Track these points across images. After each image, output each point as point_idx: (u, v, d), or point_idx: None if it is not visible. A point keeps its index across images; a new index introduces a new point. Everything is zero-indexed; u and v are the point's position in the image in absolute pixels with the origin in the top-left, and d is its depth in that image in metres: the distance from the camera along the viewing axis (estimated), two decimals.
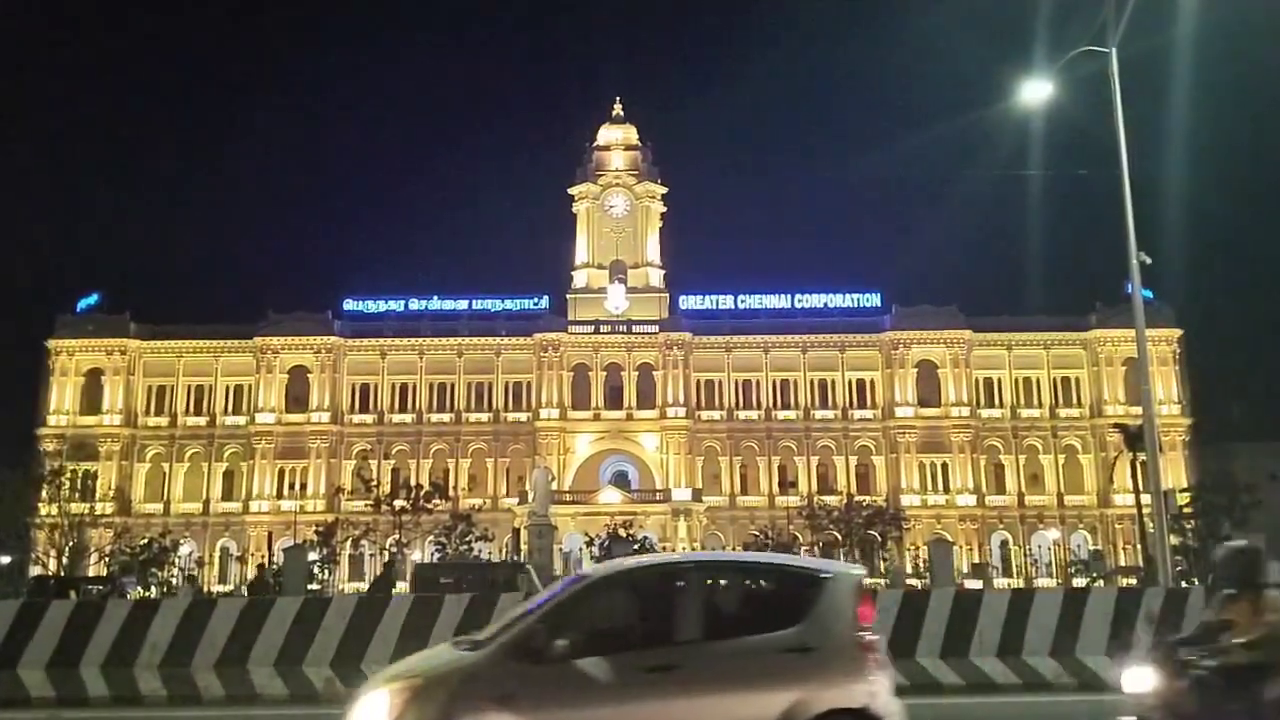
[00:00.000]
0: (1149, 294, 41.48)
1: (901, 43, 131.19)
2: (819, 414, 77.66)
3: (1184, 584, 28.23)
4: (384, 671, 8.49)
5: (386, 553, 49.10)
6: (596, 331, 77.71)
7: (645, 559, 10.76)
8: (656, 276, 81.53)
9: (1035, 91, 19.90)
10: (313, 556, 43.60)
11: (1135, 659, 7.98)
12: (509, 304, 79.67)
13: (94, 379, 76.19)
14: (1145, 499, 36.70)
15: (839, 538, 61.33)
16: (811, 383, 78.24)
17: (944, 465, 76.13)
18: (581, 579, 8.17)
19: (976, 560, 65.44)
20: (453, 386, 78.16)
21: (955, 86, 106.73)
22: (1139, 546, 53.95)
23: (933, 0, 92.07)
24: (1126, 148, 19.36)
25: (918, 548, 56.30)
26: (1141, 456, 35.67)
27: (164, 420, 76.90)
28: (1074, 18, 20.35)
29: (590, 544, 53.94)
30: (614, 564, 9.18)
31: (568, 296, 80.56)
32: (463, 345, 78.07)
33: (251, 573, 51.03)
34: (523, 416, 77.18)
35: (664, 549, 66.04)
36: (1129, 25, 18.79)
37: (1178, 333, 75.20)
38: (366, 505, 59.78)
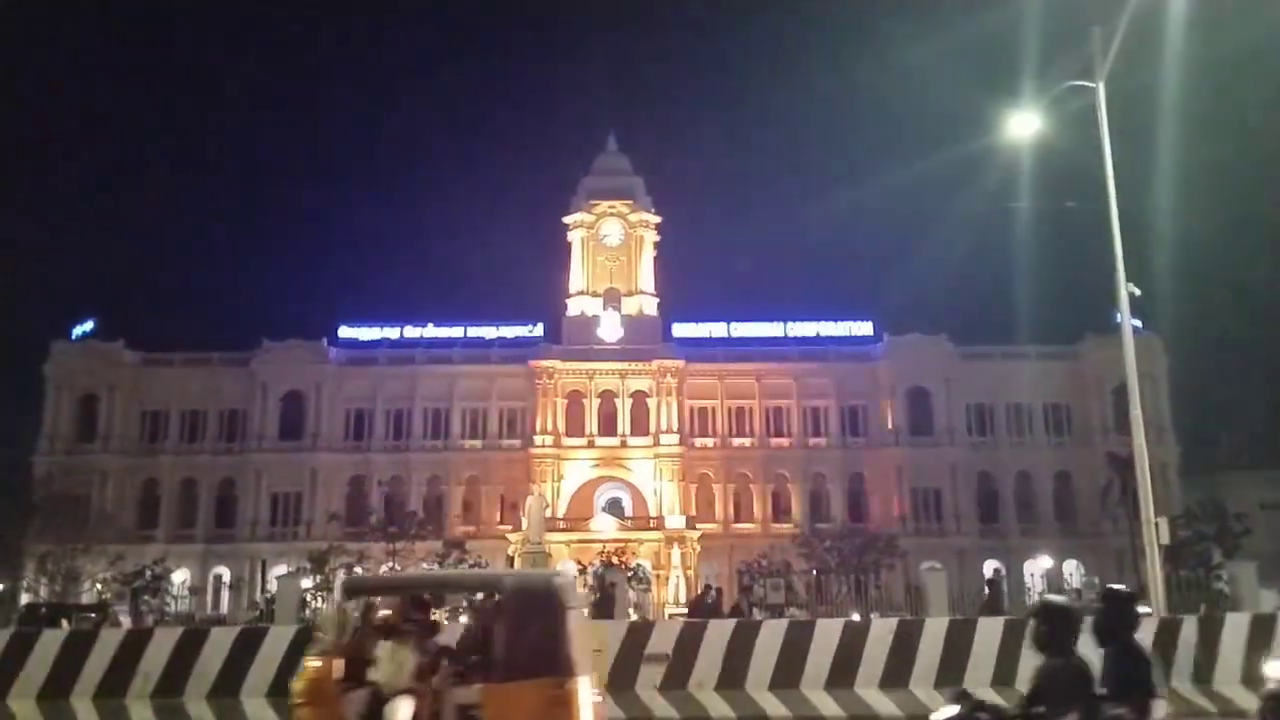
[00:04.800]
0: (1138, 323, 41.70)
1: (893, 75, 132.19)
2: (812, 441, 77.76)
3: (1176, 613, 28.28)
4: None
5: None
6: (590, 359, 77.85)
7: None
8: (650, 305, 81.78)
9: (1023, 125, 20.17)
10: (306, 584, 43.43)
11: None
12: (503, 331, 79.80)
13: (88, 405, 76.00)
14: (1137, 524, 36.75)
15: (832, 565, 61.23)
16: (804, 410, 78.40)
17: (936, 492, 76.16)
18: None
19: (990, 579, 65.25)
20: (447, 413, 78.14)
21: (945, 119, 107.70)
22: (1133, 573, 54.01)
23: (924, 35, 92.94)
24: (1114, 180, 19.61)
25: (910, 576, 56.23)
26: (1132, 484, 35.80)
27: (158, 447, 76.66)
28: (1061, 52, 20.66)
29: (583, 571, 53.84)
30: None
31: (562, 324, 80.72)
32: (457, 373, 78.11)
33: (245, 601, 50.90)
34: (516, 444, 77.11)
35: (658, 576, 65.98)
36: (1116, 60, 19.08)
37: (1166, 361, 75.49)
38: (361, 532, 59.65)
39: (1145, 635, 14.94)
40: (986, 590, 30.71)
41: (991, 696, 14.48)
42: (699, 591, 25.93)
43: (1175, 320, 72.80)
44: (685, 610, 29.54)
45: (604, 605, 23.06)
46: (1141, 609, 6.95)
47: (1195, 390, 77.13)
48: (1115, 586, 7.49)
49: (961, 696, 6.93)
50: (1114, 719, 6.19)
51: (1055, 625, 6.58)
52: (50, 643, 14.63)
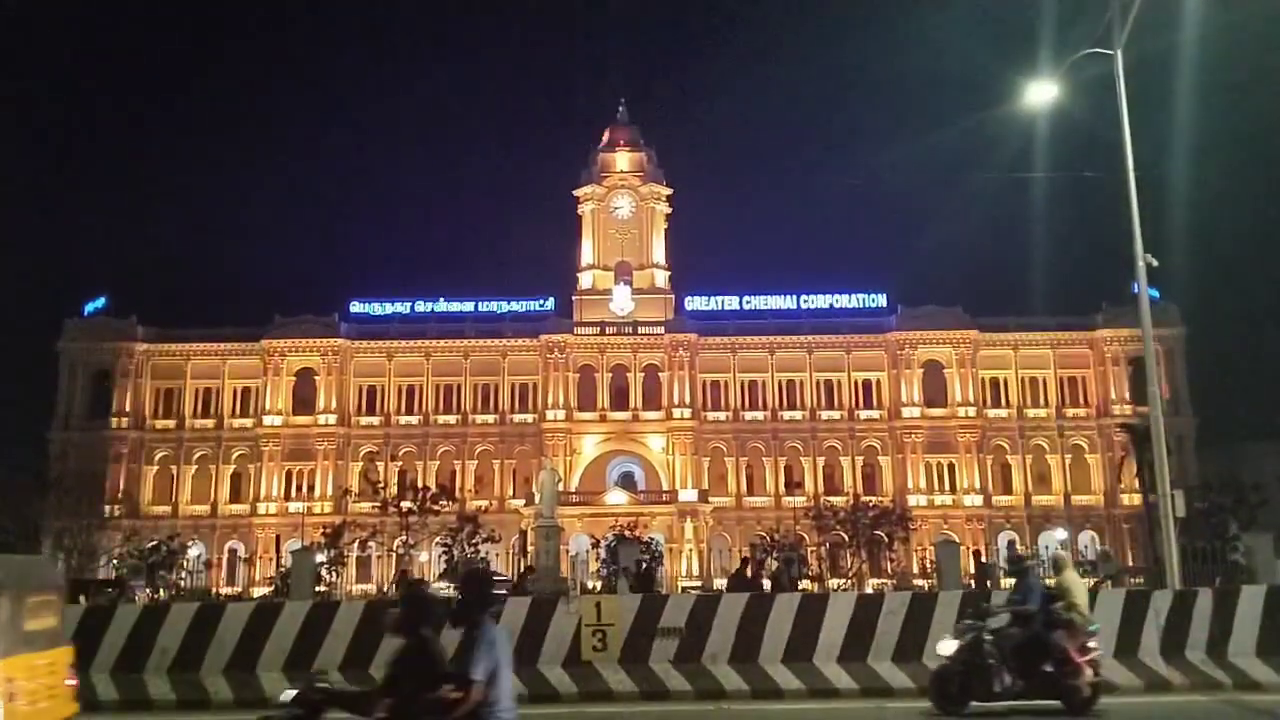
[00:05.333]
0: (1155, 293, 41.35)
1: (907, 44, 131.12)
2: (825, 414, 77.66)
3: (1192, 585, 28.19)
4: None
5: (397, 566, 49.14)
6: (602, 333, 77.79)
7: None
8: (662, 278, 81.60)
9: (1040, 93, 19.88)
10: (320, 559, 43.61)
11: None
12: (515, 306, 79.82)
13: (102, 382, 76.44)
14: (1153, 497, 36.64)
15: (845, 538, 61.25)
16: (817, 383, 78.26)
17: (950, 465, 76.09)
18: None
19: (984, 561, 65.26)
20: (459, 388, 78.31)
21: (961, 88, 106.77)
22: (1147, 546, 53.84)
23: (939, 3, 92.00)
24: (1132, 149, 19.35)
25: (924, 548, 56.23)
26: (1148, 456, 35.58)
27: (171, 423, 77.11)
28: (1079, 20, 20.36)
29: (596, 545, 53.97)
30: None
31: (573, 298, 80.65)
32: (469, 347, 78.22)
33: (259, 574, 51.18)
34: (529, 418, 77.27)
35: (670, 550, 66.16)
36: (1134, 27, 18.79)
37: (1183, 331, 75.06)
38: (373, 507, 59.76)
39: (1162, 607, 14.83)
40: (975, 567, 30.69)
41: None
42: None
43: (1193, 291, 72.75)
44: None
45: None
46: (499, 591, 6.92)
47: (1213, 361, 76.86)
48: (475, 567, 7.61)
49: (309, 680, 6.93)
50: (435, 700, 6.17)
51: (408, 609, 6.55)
52: (68, 618, 14.69)
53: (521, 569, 31.38)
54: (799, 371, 78.24)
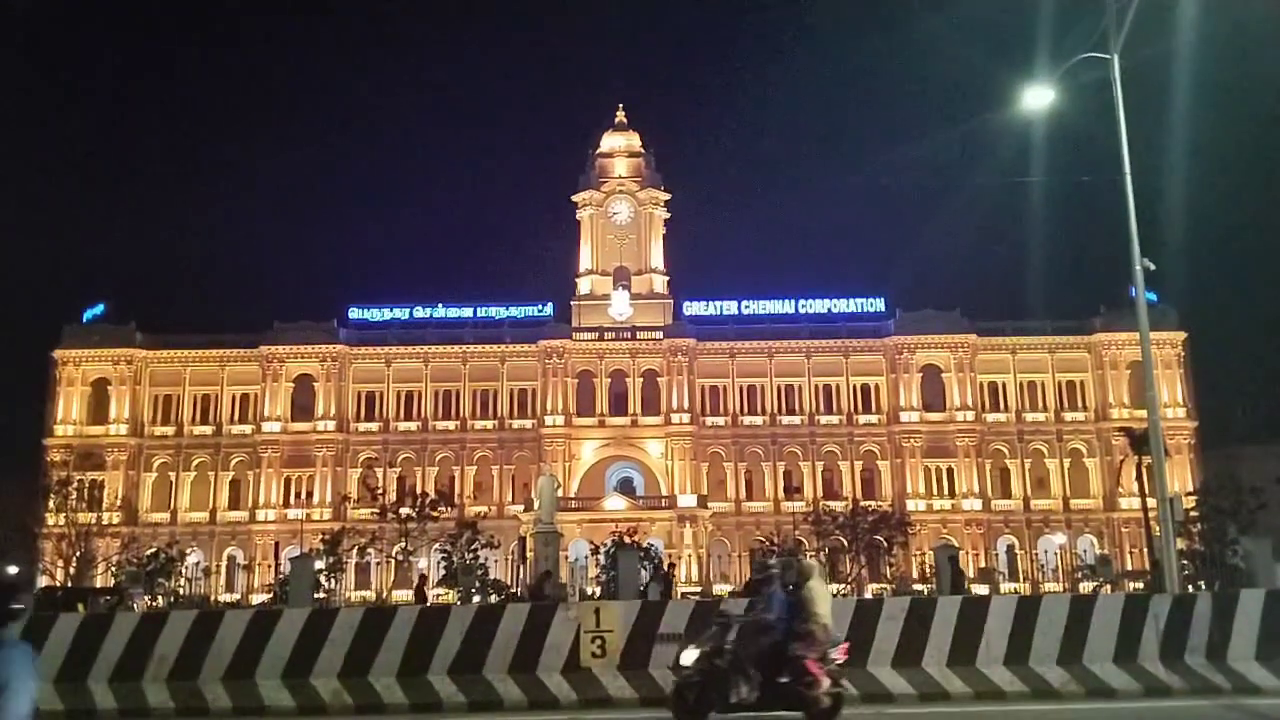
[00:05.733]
0: (1153, 297, 41.37)
1: (904, 49, 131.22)
2: (824, 419, 77.67)
3: (1191, 589, 28.21)
4: None
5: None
6: (601, 338, 77.82)
7: None
8: (660, 283, 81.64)
9: (1037, 98, 19.90)
10: (319, 565, 43.56)
11: None
12: (513, 311, 79.82)
13: (100, 389, 76.41)
14: (1151, 502, 36.66)
15: (844, 543, 61.21)
16: (816, 388, 78.28)
17: (949, 470, 76.09)
18: None
19: (983, 565, 65.37)
20: (458, 394, 78.31)
21: (958, 92, 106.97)
22: (1146, 551, 53.82)
23: (936, 7, 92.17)
24: (1129, 152, 19.37)
25: (923, 553, 56.24)
26: (1147, 460, 35.63)
27: (170, 430, 77.07)
28: (1076, 24, 20.38)
29: (596, 552, 53.90)
30: None
31: (572, 303, 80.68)
32: (468, 353, 78.24)
33: (258, 581, 51.10)
34: (528, 424, 77.27)
35: (669, 556, 66.09)
36: (1131, 31, 18.82)
37: (1182, 335, 75.14)
38: (372, 513, 59.75)
39: (1161, 611, 14.85)
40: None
41: (1007, 675, 14.47)
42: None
43: (1191, 294, 72.77)
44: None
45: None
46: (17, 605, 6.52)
47: (1211, 365, 76.90)
48: None
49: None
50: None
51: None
52: (66, 626, 14.68)
53: (535, 574, 31.32)
54: (797, 376, 78.26)
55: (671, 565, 42.27)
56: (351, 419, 77.68)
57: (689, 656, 12.17)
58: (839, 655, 12.08)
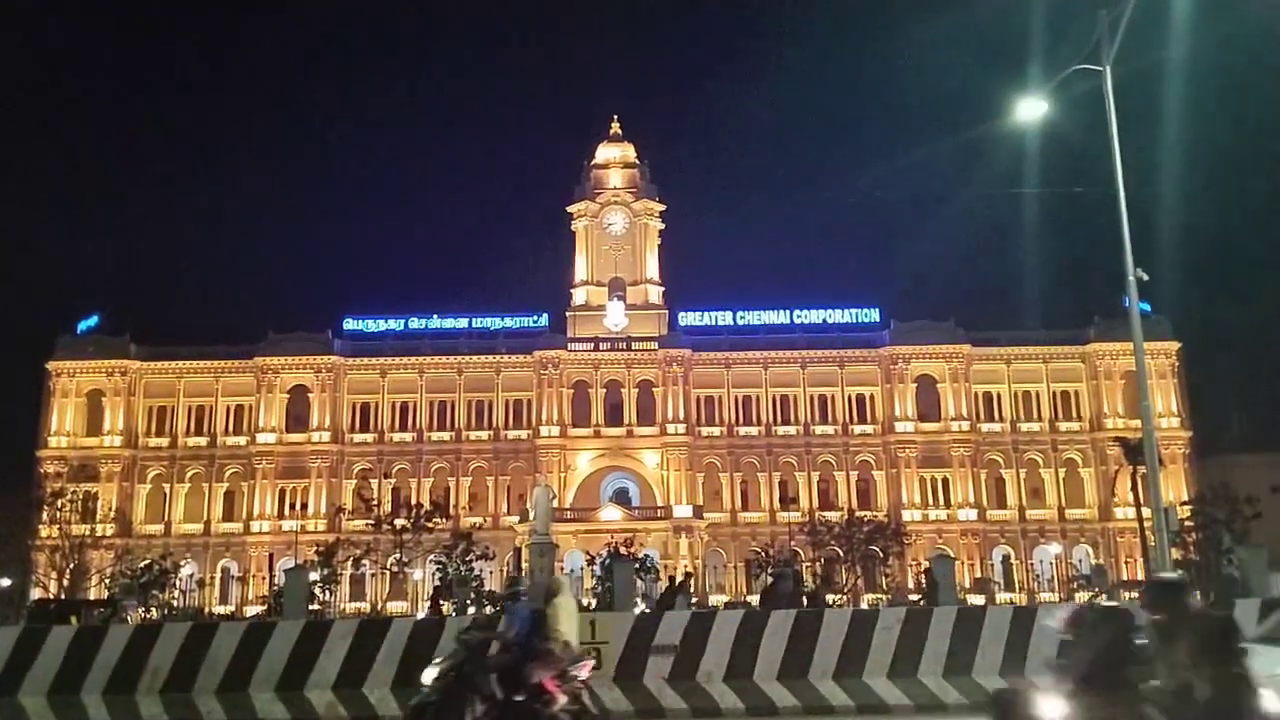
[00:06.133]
0: (1146, 307, 41.45)
1: (899, 60, 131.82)
2: (819, 429, 77.69)
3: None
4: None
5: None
6: (596, 349, 77.83)
7: None
8: (655, 293, 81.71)
9: (1030, 109, 19.97)
10: (314, 577, 43.42)
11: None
12: (508, 322, 79.83)
13: (94, 400, 76.25)
14: (1146, 512, 36.73)
15: (840, 553, 61.21)
16: (811, 398, 78.31)
17: (944, 480, 76.12)
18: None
19: (978, 575, 65.29)
20: (453, 405, 78.24)
21: (952, 104, 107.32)
22: (1141, 560, 53.88)
23: (929, 19, 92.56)
24: (1122, 163, 19.43)
25: (919, 563, 56.21)
26: (1142, 470, 35.72)
27: (164, 441, 76.91)
28: (1068, 36, 20.49)
29: (591, 562, 53.81)
30: None
31: (567, 314, 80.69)
32: (463, 363, 78.20)
33: (253, 593, 50.90)
34: (523, 434, 77.21)
35: (665, 566, 66.01)
36: (1124, 43, 18.90)
37: (1176, 345, 75.29)
38: (367, 525, 59.59)
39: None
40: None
41: (1001, 685, 14.45)
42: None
43: (1185, 304, 72.87)
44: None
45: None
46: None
47: (1206, 374, 77.01)
48: None
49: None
50: None
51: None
52: (60, 639, 14.63)
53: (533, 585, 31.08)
54: (793, 386, 78.30)
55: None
56: (346, 430, 77.57)
57: (429, 675, 12.03)
58: (581, 672, 11.92)
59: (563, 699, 11.53)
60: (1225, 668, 7.41)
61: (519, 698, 11.51)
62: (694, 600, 27.19)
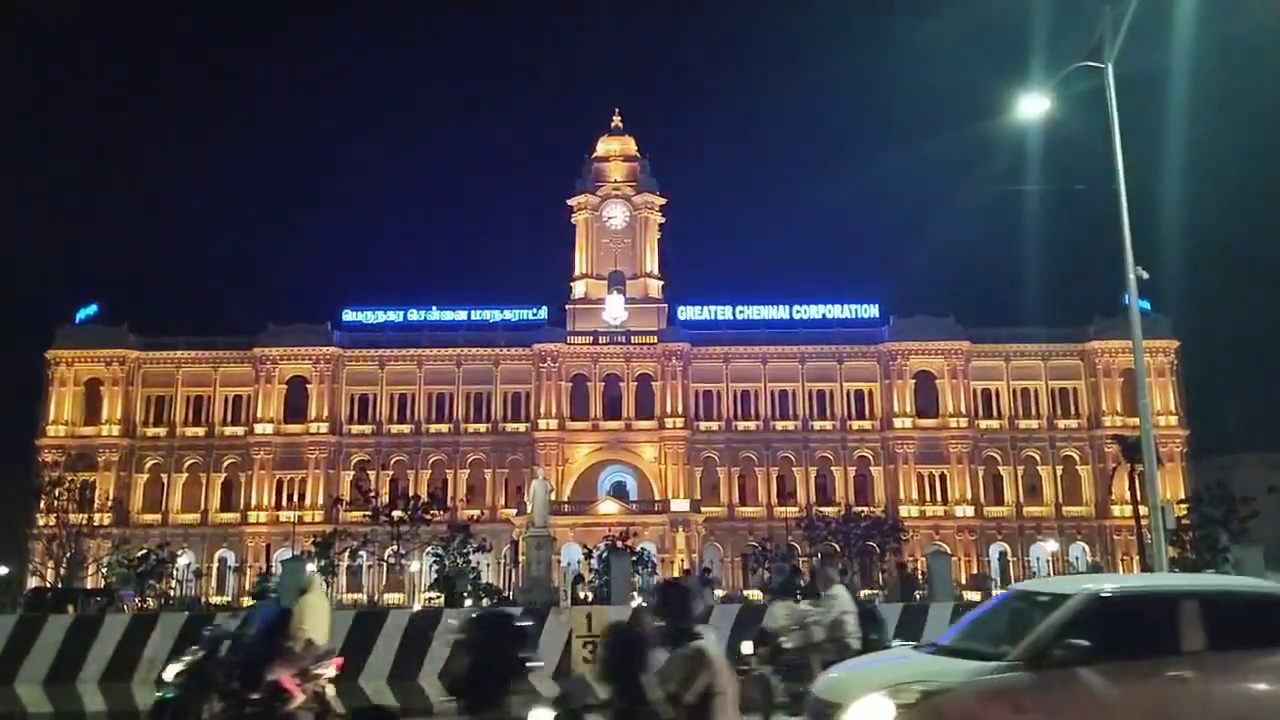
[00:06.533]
0: (1146, 305, 41.43)
1: (899, 56, 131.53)
2: (817, 425, 77.70)
3: None
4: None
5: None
6: (595, 342, 77.79)
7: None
8: (655, 287, 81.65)
9: (1032, 106, 19.92)
10: (311, 568, 43.52)
11: None
12: (507, 315, 79.78)
13: (93, 389, 76.20)
14: (1143, 510, 36.71)
15: (837, 548, 61.29)
16: (810, 393, 78.29)
17: (942, 476, 76.14)
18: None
19: (975, 571, 65.40)
20: (451, 397, 78.22)
21: (953, 100, 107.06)
22: (1138, 558, 53.94)
23: (931, 15, 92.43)
24: (1123, 162, 19.39)
25: (916, 559, 56.28)
26: (1139, 468, 35.69)
27: (162, 431, 76.91)
28: (1071, 33, 20.43)
29: (589, 555, 53.87)
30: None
31: (566, 307, 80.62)
32: (461, 356, 78.17)
33: (249, 583, 50.95)
34: (521, 427, 77.21)
35: (662, 560, 66.10)
36: (1126, 40, 18.85)
37: (1175, 344, 75.30)
38: (365, 516, 59.67)
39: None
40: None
41: None
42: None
43: (1184, 303, 72.81)
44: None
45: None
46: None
47: (1204, 374, 77.08)
48: None
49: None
50: None
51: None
52: (56, 627, 14.65)
53: (525, 579, 30.99)
54: (791, 381, 78.29)
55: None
56: (344, 421, 77.55)
57: (171, 671, 11.99)
58: (327, 670, 11.84)
59: (301, 697, 11.45)
60: (627, 692, 6.23)
61: (256, 695, 11.43)
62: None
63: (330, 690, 11.85)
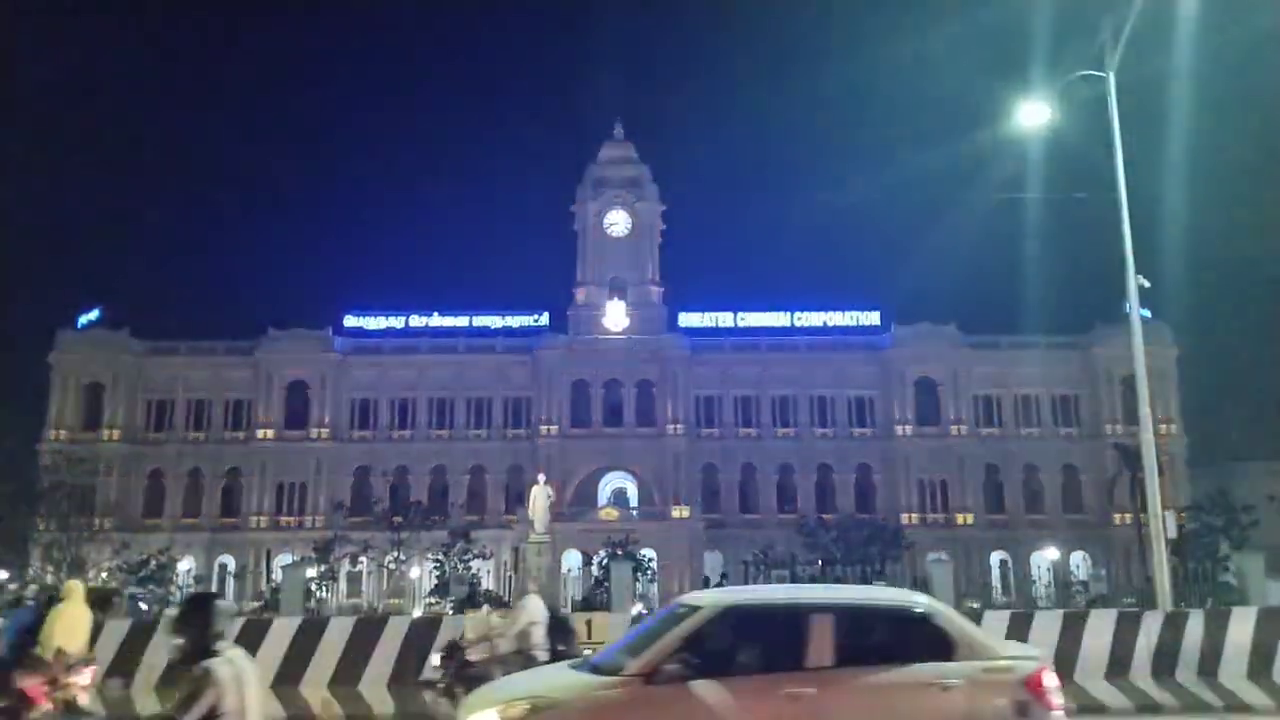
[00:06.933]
0: (1147, 313, 41.42)
1: (902, 64, 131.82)
2: (818, 431, 77.63)
3: (1183, 606, 28.14)
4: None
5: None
6: (596, 349, 77.76)
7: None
8: (656, 294, 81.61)
9: (1033, 114, 19.96)
10: (311, 574, 43.48)
11: None
12: (509, 321, 79.78)
13: (94, 394, 76.15)
14: (1144, 517, 36.58)
15: (838, 556, 61.16)
16: (811, 400, 78.22)
17: (943, 483, 76.01)
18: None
19: (976, 579, 65.26)
20: (452, 403, 78.16)
21: (955, 108, 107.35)
22: (1140, 566, 53.77)
23: (934, 23, 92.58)
24: (1124, 170, 19.44)
25: (917, 567, 56.21)
26: (1140, 475, 35.63)
27: (163, 435, 76.85)
28: (1072, 41, 20.47)
29: (589, 562, 53.82)
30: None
31: (567, 313, 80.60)
32: (462, 362, 78.14)
33: (250, 589, 51.00)
34: (521, 433, 77.17)
35: (663, 568, 65.98)
36: (1128, 49, 18.89)
37: (1175, 352, 75.20)
38: (365, 522, 59.69)
39: (1153, 628, 14.83)
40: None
41: None
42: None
43: (1185, 310, 72.52)
44: None
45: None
46: None
47: (1205, 381, 76.86)
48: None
49: None
50: None
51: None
52: None
53: (520, 586, 31.05)
54: (792, 388, 78.22)
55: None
56: (345, 427, 77.51)
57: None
58: (80, 678, 11.75)
59: (47, 705, 11.43)
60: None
61: (2, 704, 11.39)
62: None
63: (84, 699, 11.78)
